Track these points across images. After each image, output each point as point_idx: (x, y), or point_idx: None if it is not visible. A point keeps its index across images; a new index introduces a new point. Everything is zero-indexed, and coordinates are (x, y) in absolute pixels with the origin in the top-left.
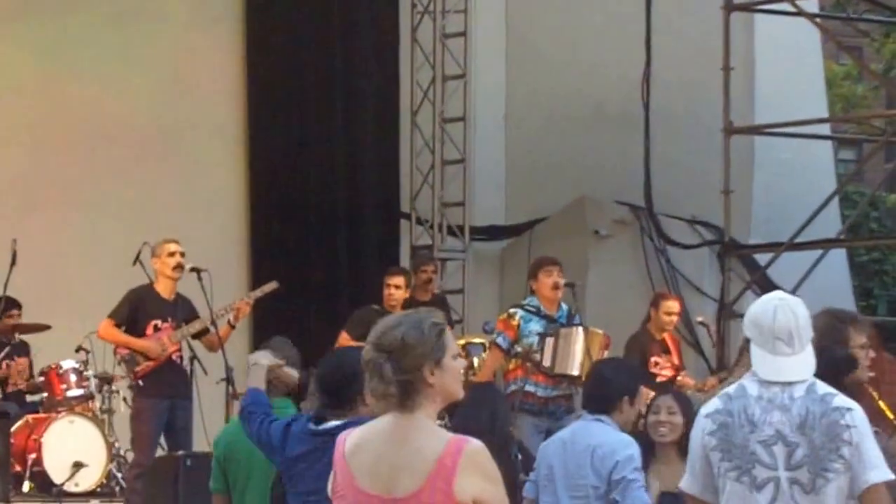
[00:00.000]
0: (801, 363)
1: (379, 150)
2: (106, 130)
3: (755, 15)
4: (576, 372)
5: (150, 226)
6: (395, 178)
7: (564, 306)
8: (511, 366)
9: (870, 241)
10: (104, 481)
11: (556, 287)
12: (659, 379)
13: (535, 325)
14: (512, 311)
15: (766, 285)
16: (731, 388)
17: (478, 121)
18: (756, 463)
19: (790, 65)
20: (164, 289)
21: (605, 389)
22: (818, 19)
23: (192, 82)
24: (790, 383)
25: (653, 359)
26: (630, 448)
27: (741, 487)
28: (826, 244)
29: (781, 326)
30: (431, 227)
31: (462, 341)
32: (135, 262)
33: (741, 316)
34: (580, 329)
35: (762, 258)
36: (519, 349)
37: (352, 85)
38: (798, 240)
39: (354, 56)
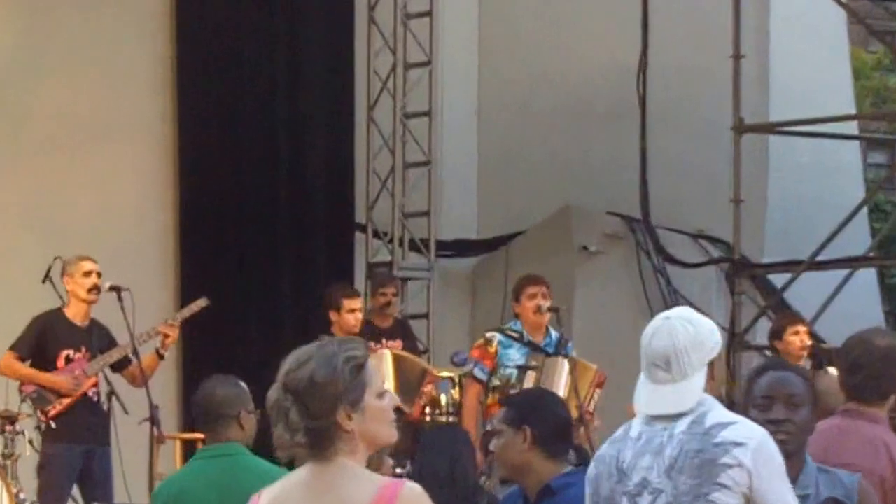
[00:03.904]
0: (680, 393)
1: (330, 150)
2: (14, 127)
3: None
4: None
5: (63, 236)
6: (349, 184)
7: (554, 333)
8: (489, 401)
9: None
10: None
11: (538, 311)
12: None
13: (516, 353)
14: (489, 335)
15: (782, 311)
16: (619, 430)
17: (445, 116)
18: None
19: (811, 52)
20: (76, 313)
21: None
22: None
23: (112, 70)
24: (674, 418)
25: None
26: None
27: None
28: (853, 263)
29: (657, 349)
30: (391, 240)
31: None
32: (45, 280)
33: (755, 347)
34: (566, 361)
35: (778, 279)
36: (497, 381)
37: (298, 74)
38: (820, 258)
39: (301, 40)
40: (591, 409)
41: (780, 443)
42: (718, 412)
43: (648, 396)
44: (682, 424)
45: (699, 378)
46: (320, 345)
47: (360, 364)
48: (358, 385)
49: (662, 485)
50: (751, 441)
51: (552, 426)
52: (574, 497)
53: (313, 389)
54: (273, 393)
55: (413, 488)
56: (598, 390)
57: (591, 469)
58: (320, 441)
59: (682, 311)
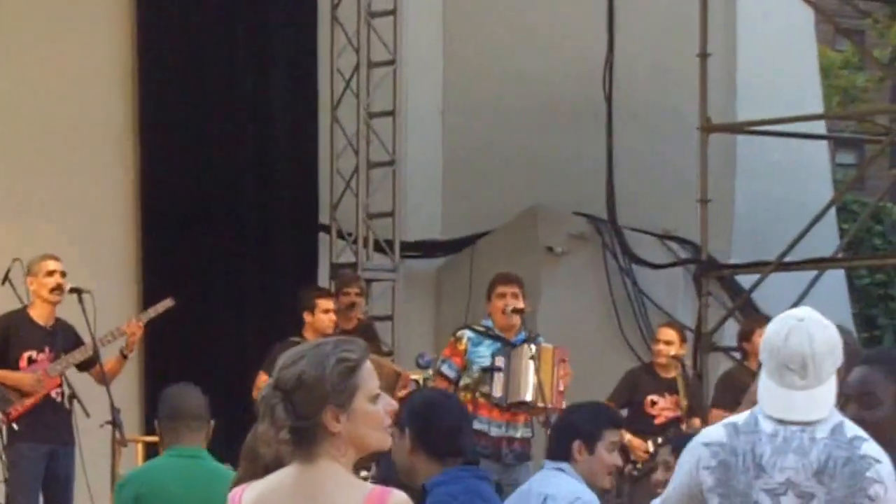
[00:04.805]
0: (815, 399)
1: (293, 150)
2: None
3: None
4: (529, 397)
5: (22, 238)
6: (313, 184)
7: (524, 333)
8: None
9: (872, 261)
10: None
11: (505, 312)
12: (657, 421)
13: (485, 349)
14: (459, 333)
15: (750, 312)
16: (739, 419)
17: (410, 116)
18: None
19: (779, 51)
20: (40, 314)
21: (555, 433)
22: None
23: (73, 68)
24: (811, 422)
25: (650, 397)
26: (577, 499)
27: None
28: (821, 264)
29: (794, 352)
30: (355, 241)
31: None
32: (3, 282)
33: (722, 349)
34: (528, 347)
35: (746, 280)
36: (467, 380)
37: (260, 73)
38: (788, 258)
39: (264, 39)
40: (561, 388)
41: None
42: (851, 424)
43: (780, 401)
44: (823, 430)
45: (832, 384)
46: (317, 343)
47: (353, 366)
48: (348, 387)
49: (813, 489)
50: (885, 460)
51: (435, 431)
52: (443, 494)
53: (301, 388)
54: (265, 388)
55: (400, 497)
56: (558, 366)
57: (709, 457)
58: (305, 441)
59: (812, 313)
